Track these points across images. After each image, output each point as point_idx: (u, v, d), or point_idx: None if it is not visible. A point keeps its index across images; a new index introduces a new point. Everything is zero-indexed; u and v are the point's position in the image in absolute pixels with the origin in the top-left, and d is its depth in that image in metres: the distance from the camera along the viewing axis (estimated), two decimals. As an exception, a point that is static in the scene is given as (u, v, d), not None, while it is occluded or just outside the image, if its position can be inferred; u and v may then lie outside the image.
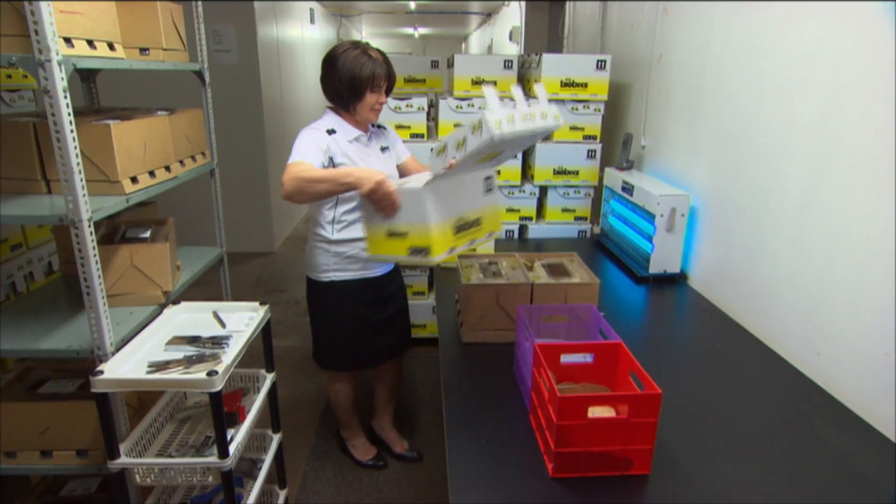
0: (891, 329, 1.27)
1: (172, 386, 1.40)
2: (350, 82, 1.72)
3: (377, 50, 1.78)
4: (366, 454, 2.29)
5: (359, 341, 2.00)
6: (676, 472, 1.14)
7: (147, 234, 1.81)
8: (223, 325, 1.69)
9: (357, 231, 1.84)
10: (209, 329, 1.66)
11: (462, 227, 1.40)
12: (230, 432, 1.54)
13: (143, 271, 1.71)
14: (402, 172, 2.02)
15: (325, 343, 2.04)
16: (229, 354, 1.49)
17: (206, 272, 2.25)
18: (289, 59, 5.69)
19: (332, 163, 1.74)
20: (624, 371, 1.26)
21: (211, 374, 1.36)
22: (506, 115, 1.18)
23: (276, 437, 1.90)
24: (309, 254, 1.94)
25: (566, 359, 1.31)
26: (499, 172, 2.16)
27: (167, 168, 1.81)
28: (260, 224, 4.98)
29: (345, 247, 1.88)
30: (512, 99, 1.26)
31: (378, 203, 1.38)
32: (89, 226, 1.36)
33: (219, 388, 1.36)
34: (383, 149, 1.92)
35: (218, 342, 1.58)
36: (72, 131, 1.28)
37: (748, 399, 1.41)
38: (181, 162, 1.93)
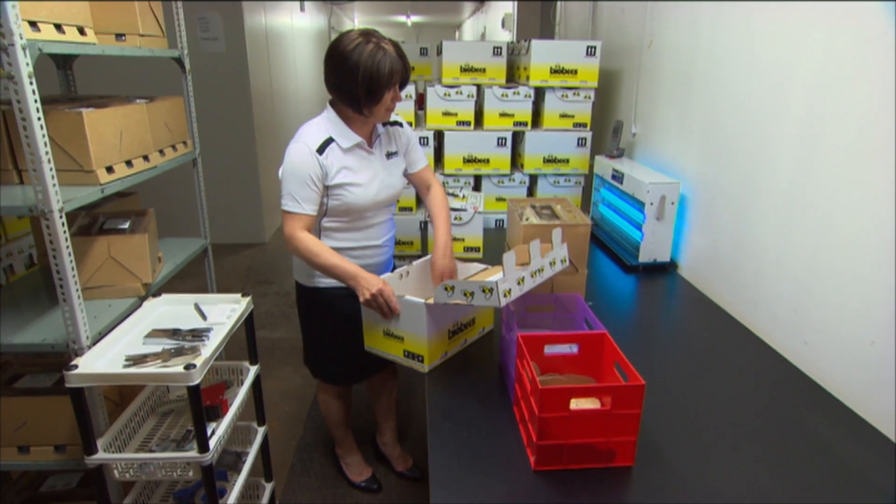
0: (877, 317, 1.25)
1: (149, 380, 1.37)
2: (368, 84, 1.49)
3: (389, 40, 1.55)
4: (359, 475, 2.15)
5: (347, 350, 1.79)
6: (660, 464, 1.13)
7: (126, 226, 1.77)
8: (204, 317, 1.66)
9: (343, 241, 1.69)
10: (190, 322, 1.63)
11: (457, 331, 1.50)
12: (212, 426, 1.52)
13: (122, 263, 1.68)
14: (414, 182, 1.85)
15: (314, 349, 1.92)
16: (209, 347, 1.46)
17: (195, 264, 2.21)
18: (278, 47, 5.61)
19: (325, 189, 1.58)
20: (609, 362, 1.24)
21: (189, 367, 1.33)
22: (517, 280, 1.30)
23: (262, 430, 1.88)
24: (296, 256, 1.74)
25: (550, 349, 1.29)
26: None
27: (145, 157, 1.77)
28: (250, 215, 4.93)
29: None
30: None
31: (377, 309, 1.45)
32: (60, 217, 1.32)
33: (197, 382, 1.33)
34: (389, 155, 1.72)
35: (198, 335, 1.54)
36: (39, 119, 1.24)
37: (735, 388, 1.40)
38: (161, 151, 1.89)
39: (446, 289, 1.32)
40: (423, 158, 1.83)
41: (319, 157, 1.55)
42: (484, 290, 1.27)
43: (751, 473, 1.10)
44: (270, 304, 3.76)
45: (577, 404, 1.11)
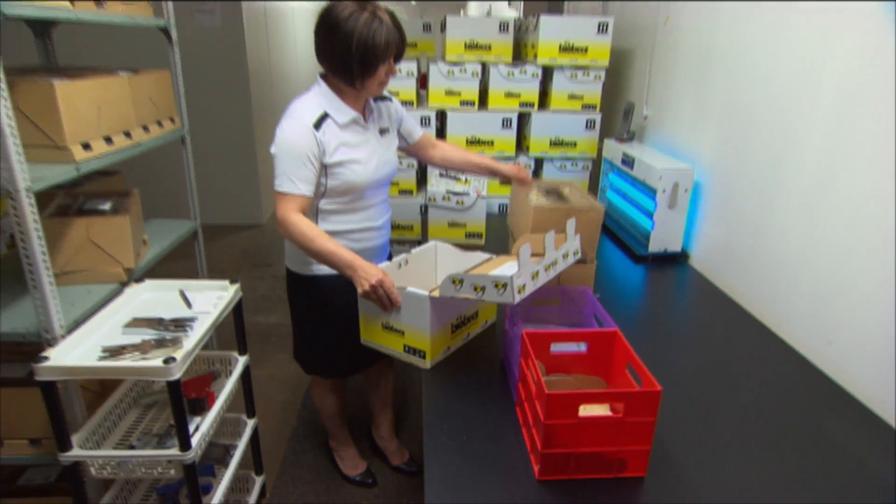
0: (914, 318, 1.16)
1: (125, 374, 1.28)
2: (362, 55, 1.41)
3: (385, 10, 1.46)
4: (354, 469, 2.07)
5: (343, 342, 1.71)
6: (674, 473, 1.04)
7: (107, 206, 1.67)
8: (189, 305, 1.57)
9: (342, 223, 1.60)
10: (174, 310, 1.53)
11: (459, 325, 1.42)
12: (196, 420, 1.44)
13: (101, 246, 1.58)
14: (415, 153, 1.79)
15: (306, 342, 1.82)
16: (192, 339, 1.37)
17: (187, 246, 2.11)
18: (277, 23, 5.44)
19: (323, 168, 1.48)
20: (620, 361, 1.15)
21: (168, 361, 1.24)
22: (531, 275, 1.21)
23: (251, 423, 1.80)
24: (289, 242, 1.64)
25: (557, 348, 1.20)
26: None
27: (127, 134, 1.66)
28: (247, 195, 4.82)
29: None
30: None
31: (376, 301, 1.36)
32: (28, 196, 1.22)
33: (177, 377, 1.24)
34: (382, 131, 1.64)
35: (181, 324, 1.45)
36: (2, 90, 1.13)
37: (751, 391, 1.30)
38: (145, 128, 1.78)
39: (454, 282, 1.22)
40: (418, 127, 1.78)
41: (317, 134, 1.45)
42: (497, 286, 1.16)
43: (770, 485, 1.02)
44: (266, 287, 3.67)
45: (586, 410, 1.02)
